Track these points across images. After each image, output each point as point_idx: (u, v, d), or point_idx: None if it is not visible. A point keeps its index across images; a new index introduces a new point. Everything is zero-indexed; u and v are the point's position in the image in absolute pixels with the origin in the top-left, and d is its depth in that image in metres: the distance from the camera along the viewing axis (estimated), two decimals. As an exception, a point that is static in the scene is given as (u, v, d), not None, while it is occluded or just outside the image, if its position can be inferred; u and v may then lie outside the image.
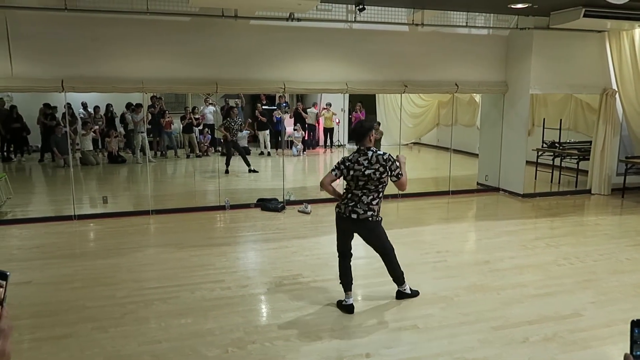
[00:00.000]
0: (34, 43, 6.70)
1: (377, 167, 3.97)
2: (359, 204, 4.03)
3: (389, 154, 4.06)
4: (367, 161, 4.00)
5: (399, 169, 4.04)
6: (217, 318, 4.04)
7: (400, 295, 4.40)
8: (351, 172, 4.02)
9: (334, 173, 4.09)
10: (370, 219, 4.05)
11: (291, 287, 4.71)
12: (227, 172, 10.56)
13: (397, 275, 4.36)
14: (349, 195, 4.10)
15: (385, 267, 4.34)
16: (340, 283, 4.25)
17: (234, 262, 5.48)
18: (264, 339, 3.71)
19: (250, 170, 10.70)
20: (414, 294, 4.44)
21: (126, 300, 4.38)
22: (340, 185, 4.41)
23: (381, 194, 4.10)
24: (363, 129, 4.08)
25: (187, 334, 3.78)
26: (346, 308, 4.16)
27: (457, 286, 4.73)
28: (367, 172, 3.97)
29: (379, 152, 4.05)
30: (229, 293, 4.56)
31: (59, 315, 4.09)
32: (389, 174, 4.01)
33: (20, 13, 6.60)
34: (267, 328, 3.90)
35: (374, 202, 4.06)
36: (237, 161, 10.92)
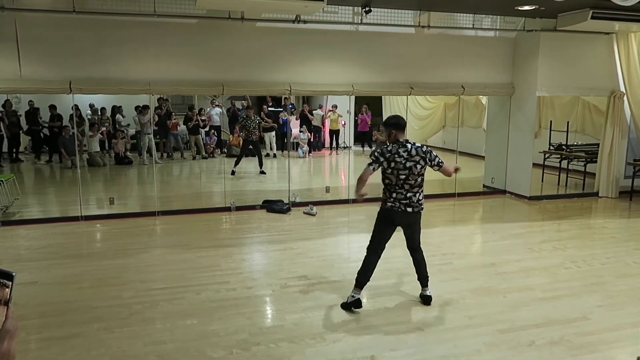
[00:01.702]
0: (42, 45, 6.76)
1: (417, 160, 3.96)
2: (412, 203, 4.05)
3: (426, 146, 4.09)
4: (406, 153, 3.95)
5: (438, 157, 4.05)
6: (222, 319, 4.05)
7: (427, 299, 4.34)
8: (392, 164, 3.95)
9: (372, 167, 4.00)
10: (421, 210, 4.15)
11: (296, 289, 4.70)
12: (233, 173, 10.53)
13: (425, 274, 4.36)
14: (394, 195, 4.04)
15: (414, 265, 4.35)
16: (357, 279, 4.20)
17: (240, 263, 5.49)
18: (268, 340, 3.71)
19: (261, 172, 10.71)
20: (431, 297, 4.40)
21: (132, 301, 4.40)
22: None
23: (422, 187, 4.12)
24: (403, 120, 4.10)
25: (193, 335, 3.79)
26: (354, 303, 4.16)
27: (463, 289, 4.71)
28: (408, 164, 3.94)
29: (416, 144, 4.03)
30: (234, 294, 4.57)
31: (65, 315, 4.12)
32: (430, 164, 4.01)
33: (29, 15, 6.66)
34: (272, 330, 3.90)
35: (421, 197, 4.12)
36: (243, 162, 10.93)
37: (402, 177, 3.96)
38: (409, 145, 3.98)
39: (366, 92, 8.40)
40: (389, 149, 4.00)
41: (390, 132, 4.06)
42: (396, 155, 3.94)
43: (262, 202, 8.04)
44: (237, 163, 10.60)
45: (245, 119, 10.71)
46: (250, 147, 10.79)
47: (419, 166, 3.95)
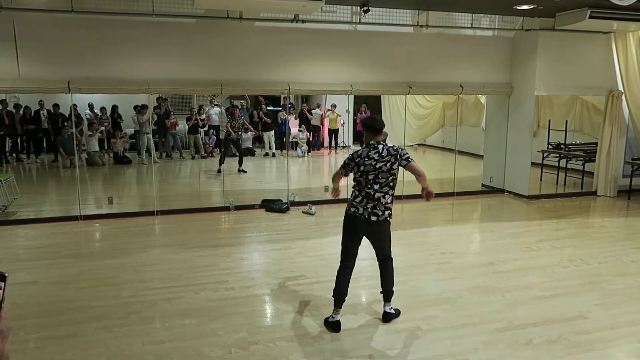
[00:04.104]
0: (40, 44, 6.76)
1: (388, 159, 3.78)
2: (378, 205, 3.82)
3: (399, 146, 3.91)
4: (377, 154, 3.80)
5: (407, 154, 3.84)
6: (221, 318, 4.05)
7: (387, 316, 4.02)
8: (361, 168, 3.82)
9: (341, 172, 3.98)
10: (388, 218, 3.88)
11: (295, 288, 4.71)
12: (219, 171, 10.49)
13: (390, 288, 4.04)
14: (362, 194, 3.86)
15: (380, 276, 4.06)
16: (333, 297, 3.96)
17: (238, 262, 5.49)
18: (267, 339, 3.72)
19: (239, 170, 10.74)
20: (397, 313, 4.09)
21: (131, 300, 4.40)
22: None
23: (393, 190, 3.90)
24: (378, 123, 3.93)
25: (191, 334, 3.79)
26: (333, 325, 3.88)
27: (461, 288, 4.72)
28: (378, 165, 3.79)
29: (388, 144, 3.88)
30: (232, 294, 4.58)
31: (64, 315, 4.12)
32: (399, 160, 3.80)
33: (27, 15, 6.65)
34: (270, 329, 3.91)
35: (390, 201, 3.87)
36: (246, 161, 10.95)
37: (371, 177, 3.81)
38: (380, 147, 3.83)
39: (365, 91, 8.41)
40: (359, 153, 3.86)
41: (364, 133, 3.95)
42: (366, 159, 3.80)
43: (261, 202, 8.05)
44: (221, 162, 10.51)
45: (230, 118, 10.72)
46: (232, 145, 10.87)
47: (389, 164, 3.79)
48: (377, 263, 4.09)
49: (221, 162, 10.48)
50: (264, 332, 3.85)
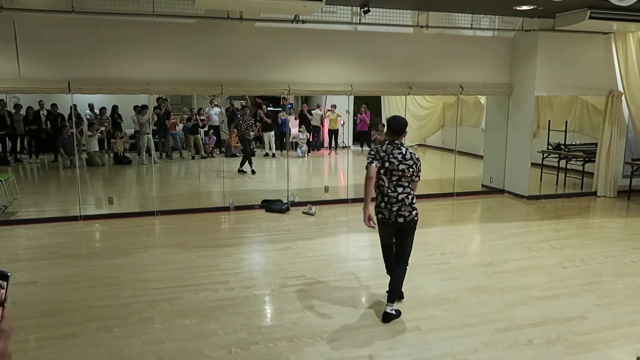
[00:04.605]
0: (41, 45, 6.77)
1: (410, 164, 3.92)
2: (403, 207, 3.94)
3: (418, 156, 4.06)
4: (401, 155, 3.92)
5: (421, 171, 4.04)
6: (221, 319, 4.06)
7: (387, 317, 4.01)
8: (386, 165, 3.91)
9: (374, 164, 3.93)
10: (415, 218, 4.01)
11: (295, 289, 4.71)
12: (253, 172, 10.66)
13: (398, 289, 4.11)
14: (385, 199, 3.96)
15: (392, 275, 4.13)
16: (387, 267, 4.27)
17: (238, 263, 5.50)
18: (267, 339, 3.72)
19: (239, 171, 10.77)
20: (398, 314, 4.08)
21: (131, 300, 4.40)
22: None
23: (414, 191, 4.03)
24: (403, 123, 4.06)
25: (191, 335, 3.80)
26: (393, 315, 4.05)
27: (461, 288, 4.72)
28: (401, 166, 3.90)
29: (409, 149, 4.02)
30: (233, 294, 4.58)
31: (64, 315, 4.12)
32: (416, 173, 3.97)
33: (27, 15, 6.66)
34: (270, 329, 3.91)
35: (414, 201, 4.00)
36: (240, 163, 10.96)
37: (395, 178, 3.92)
38: (403, 149, 3.96)
39: (365, 91, 8.41)
40: (383, 149, 3.97)
41: (387, 132, 4.11)
42: (391, 156, 3.92)
43: (261, 202, 8.05)
44: (243, 163, 10.70)
45: (237, 118, 10.76)
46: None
47: (411, 170, 3.93)
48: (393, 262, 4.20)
49: (250, 163, 10.64)
50: (264, 332, 3.85)
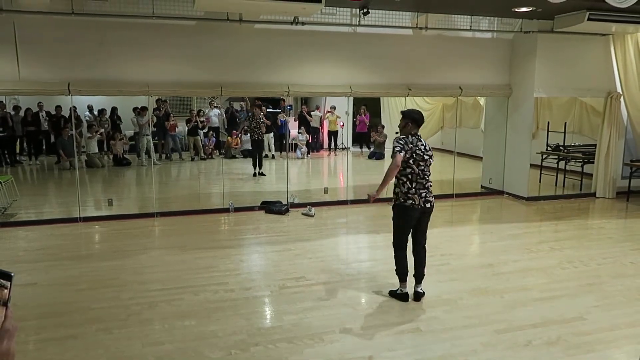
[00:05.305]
0: (41, 47, 6.77)
1: (430, 154, 4.27)
2: (429, 193, 4.27)
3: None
4: (423, 147, 4.24)
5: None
6: (221, 320, 4.06)
7: (418, 295, 4.43)
8: (414, 155, 4.16)
9: (402, 154, 4.13)
10: (433, 204, 4.36)
11: (294, 290, 4.72)
12: (261, 174, 10.66)
13: (423, 272, 4.46)
14: (415, 185, 4.21)
15: (416, 260, 4.44)
16: (397, 273, 4.43)
17: (238, 264, 5.50)
18: (267, 341, 3.72)
19: (259, 174, 10.75)
20: (424, 293, 4.49)
21: (130, 302, 4.41)
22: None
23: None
24: (422, 117, 4.34)
25: (191, 336, 3.80)
26: (402, 297, 4.39)
27: (461, 289, 4.73)
28: (425, 157, 4.21)
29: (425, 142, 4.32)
30: (232, 295, 4.58)
31: (64, 317, 4.12)
32: (430, 158, 4.28)
33: (27, 17, 6.66)
34: (270, 330, 3.91)
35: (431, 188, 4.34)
36: (242, 162, 10.96)
37: (422, 166, 4.21)
38: (423, 141, 4.27)
39: (364, 93, 8.42)
40: (409, 139, 4.21)
41: (407, 123, 4.27)
42: (417, 147, 4.18)
43: (261, 203, 8.05)
44: (254, 164, 10.71)
45: (249, 119, 10.79)
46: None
47: (431, 160, 4.25)
48: (413, 247, 4.49)
49: (258, 165, 10.65)
50: (264, 333, 3.85)
